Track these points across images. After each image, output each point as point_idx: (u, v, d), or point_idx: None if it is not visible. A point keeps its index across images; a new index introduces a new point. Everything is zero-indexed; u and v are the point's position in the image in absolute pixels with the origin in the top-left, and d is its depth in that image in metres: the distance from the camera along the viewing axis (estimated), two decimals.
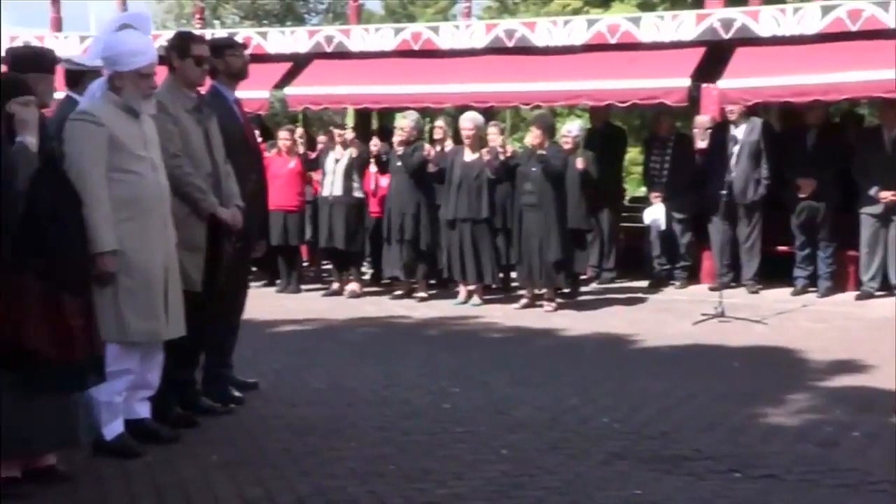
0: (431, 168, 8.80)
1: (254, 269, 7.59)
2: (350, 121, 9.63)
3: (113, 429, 4.32)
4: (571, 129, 9.34)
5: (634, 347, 7.07)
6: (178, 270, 4.48)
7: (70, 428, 3.98)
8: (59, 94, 5.06)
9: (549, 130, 8.71)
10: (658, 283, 9.78)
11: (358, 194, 9.30)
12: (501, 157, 8.69)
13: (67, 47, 11.76)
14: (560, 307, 8.55)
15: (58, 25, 13.05)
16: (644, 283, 9.82)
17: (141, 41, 4.39)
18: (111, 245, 4.09)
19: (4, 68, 4.55)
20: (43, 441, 3.88)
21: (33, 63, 4.35)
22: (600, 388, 5.67)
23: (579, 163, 8.82)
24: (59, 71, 4.67)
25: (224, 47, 5.32)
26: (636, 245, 10.22)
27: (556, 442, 4.57)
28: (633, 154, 15.77)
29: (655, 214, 9.59)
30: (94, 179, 4.07)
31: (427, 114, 10.26)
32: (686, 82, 9.52)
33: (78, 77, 5.23)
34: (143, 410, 4.53)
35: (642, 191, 12.64)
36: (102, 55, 4.41)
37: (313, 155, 9.79)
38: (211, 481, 4.02)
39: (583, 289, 9.46)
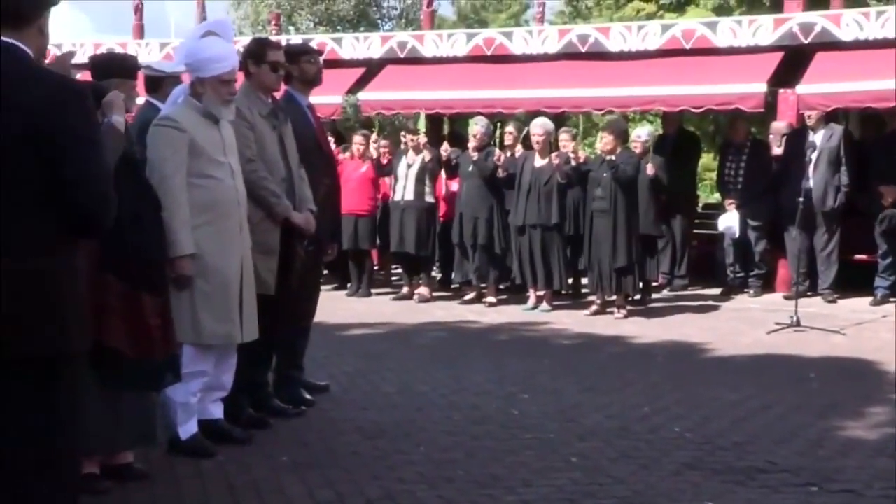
0: (501, 173, 8.80)
1: (325, 272, 7.68)
2: (422, 126, 9.65)
3: (188, 429, 4.40)
4: (640, 133, 9.27)
5: (707, 356, 6.95)
6: (252, 274, 4.53)
7: (148, 426, 4.07)
8: (140, 100, 5.22)
9: (622, 136, 8.63)
10: (731, 290, 9.61)
11: (429, 199, 9.34)
12: (573, 163, 8.65)
13: (149, 54, 12.09)
14: (630, 314, 8.46)
15: (140, 32, 13.42)
16: (717, 291, 9.66)
17: (222, 48, 4.46)
18: (189, 249, 4.17)
19: (88, 75, 4.70)
20: (122, 438, 3.97)
21: (116, 68, 4.46)
22: (671, 397, 5.60)
23: (649, 168, 8.74)
24: (140, 77, 4.79)
25: (299, 54, 5.40)
26: (709, 252, 10.08)
27: (626, 450, 4.53)
28: (706, 160, 15.54)
29: (729, 221, 9.43)
30: (174, 184, 4.16)
31: (498, 119, 10.24)
32: (762, 88, 9.35)
33: (158, 83, 5.36)
34: (217, 411, 4.60)
35: (716, 197, 12.44)
36: (185, 61, 4.50)
37: (386, 160, 9.85)
38: (282, 482, 4.08)
39: (654, 296, 9.36)
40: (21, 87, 2.54)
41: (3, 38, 2.57)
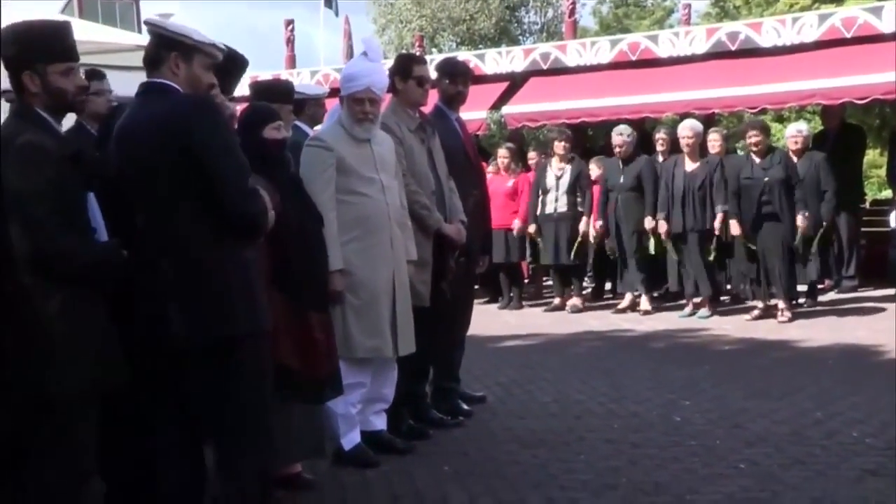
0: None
1: (476, 286, 7.70)
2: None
3: (351, 439, 4.49)
4: (797, 129, 8.89)
5: (882, 359, 6.56)
6: (408, 288, 4.57)
7: (316, 438, 4.19)
8: None
9: (767, 132, 8.28)
10: None
11: (581, 209, 9.23)
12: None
13: (300, 82, 12.52)
14: (795, 317, 8.09)
15: (292, 63, 13.95)
16: (890, 292, 9.10)
17: (359, 68, 4.51)
18: (338, 264, 4.25)
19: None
20: (295, 451, 4.09)
21: (273, 93, 4.64)
22: (845, 402, 5.31)
23: (799, 219, 8.34)
24: None
25: (459, 74, 5.45)
26: (880, 251, 9.51)
27: (799, 457, 4.31)
28: (872, 157, 14.75)
29: None
30: (322, 202, 4.23)
31: (651, 125, 10.05)
32: None
33: (301, 105, 5.50)
34: (380, 423, 4.68)
35: (886, 194, 11.78)
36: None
37: (531, 174, 9.82)
38: (444, 491, 4.09)
39: (820, 298, 8.92)
40: (164, 110, 3.06)
41: (150, 79, 3.17)
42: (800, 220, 7.91)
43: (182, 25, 3.20)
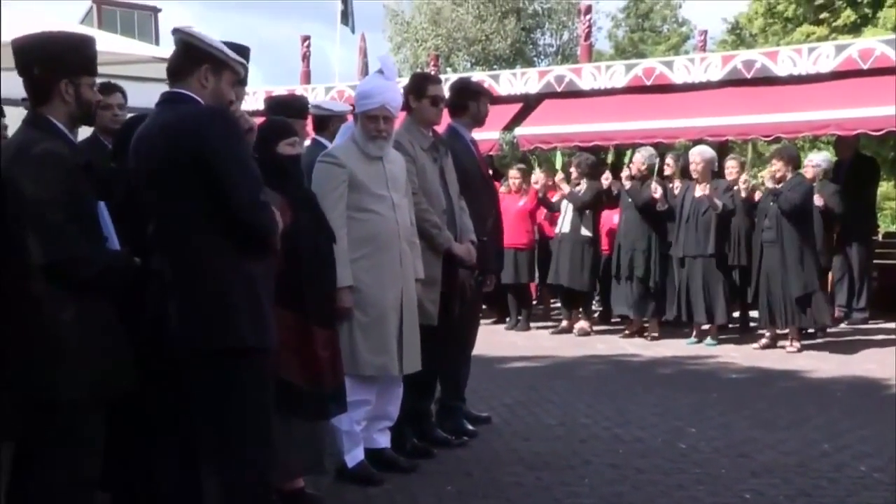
0: (660, 206, 8.58)
1: (483, 306, 7.69)
2: (558, 163, 9.52)
3: (354, 456, 4.48)
4: (814, 158, 8.88)
5: (891, 393, 6.50)
6: (415, 306, 4.55)
7: (317, 453, 4.17)
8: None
9: (793, 162, 8.24)
10: None
11: (587, 232, 9.22)
12: (743, 193, 8.33)
13: (315, 97, 12.58)
14: (804, 348, 8.05)
15: (307, 79, 14.02)
16: None
17: (373, 85, 4.52)
18: (347, 281, 4.25)
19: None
20: (294, 465, 4.07)
21: (287, 108, 4.66)
22: (854, 435, 5.27)
23: (817, 199, 8.35)
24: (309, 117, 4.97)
25: (479, 93, 5.48)
26: (892, 283, 9.48)
27: (806, 489, 4.28)
28: (886, 188, 14.72)
29: None
30: (333, 218, 4.22)
31: (661, 150, 10.03)
32: None
33: (325, 122, 5.54)
34: (383, 440, 4.66)
35: None
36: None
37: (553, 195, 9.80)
38: None
39: (830, 329, 8.87)
40: (179, 118, 3.07)
41: (174, 89, 3.15)
42: None
43: (213, 39, 3.19)
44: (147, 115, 3.29)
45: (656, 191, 8.52)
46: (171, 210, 3.08)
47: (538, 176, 9.72)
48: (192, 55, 3.14)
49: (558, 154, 9.85)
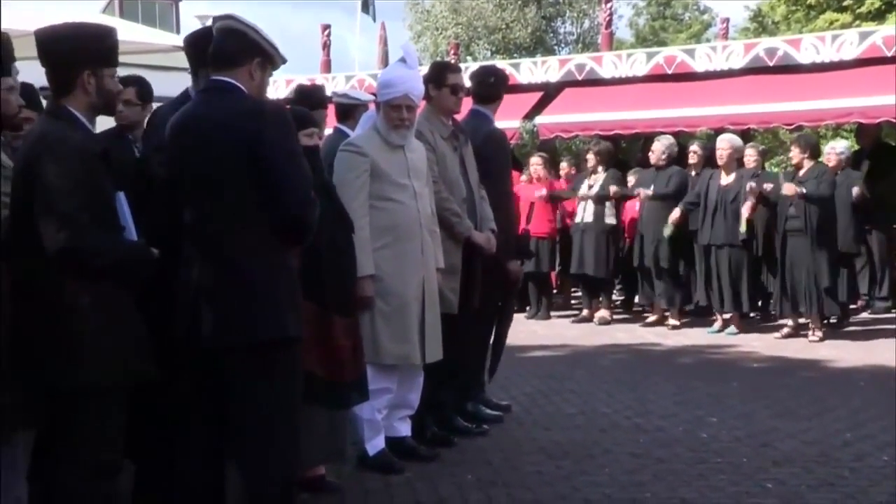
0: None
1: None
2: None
3: (375, 444, 4.49)
4: (836, 146, 8.80)
5: None
6: (437, 296, 4.56)
7: (338, 442, 4.20)
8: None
9: (811, 150, 8.17)
10: None
11: (610, 220, 9.20)
12: (767, 186, 8.27)
13: (335, 86, 12.59)
14: (826, 337, 8.00)
15: (327, 68, 14.03)
16: None
17: (396, 74, 4.51)
18: (369, 270, 4.25)
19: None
20: (315, 454, 4.09)
21: (308, 98, 4.66)
22: (877, 424, 5.24)
23: (855, 190, 8.28)
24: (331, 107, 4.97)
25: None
26: None
27: (828, 478, 4.27)
28: None
29: None
30: (354, 208, 4.23)
31: (683, 139, 9.98)
32: None
33: (349, 111, 5.51)
34: (404, 429, 4.68)
35: None
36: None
37: (569, 184, 9.79)
38: (467, 499, 4.09)
39: (852, 319, 8.81)
40: (237, 110, 3.04)
41: (217, 77, 3.11)
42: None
43: (266, 32, 3.15)
44: (171, 103, 3.29)
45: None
46: (216, 200, 3.05)
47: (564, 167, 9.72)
48: (246, 46, 3.10)
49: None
